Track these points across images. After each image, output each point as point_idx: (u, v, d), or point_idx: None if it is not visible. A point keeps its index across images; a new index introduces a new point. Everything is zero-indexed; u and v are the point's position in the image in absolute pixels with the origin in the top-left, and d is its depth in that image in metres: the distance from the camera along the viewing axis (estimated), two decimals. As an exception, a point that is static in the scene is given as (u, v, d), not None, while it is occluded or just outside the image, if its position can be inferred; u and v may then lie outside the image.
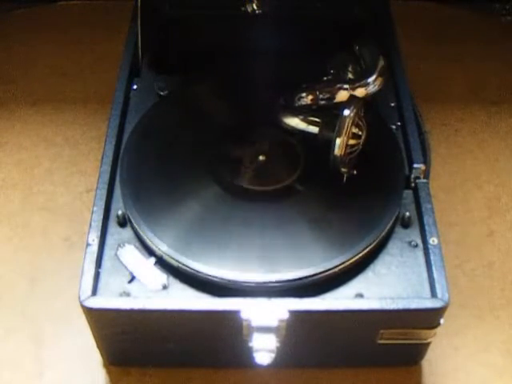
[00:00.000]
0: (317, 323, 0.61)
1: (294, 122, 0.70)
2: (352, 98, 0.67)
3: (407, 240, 0.66)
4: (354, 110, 0.64)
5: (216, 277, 0.61)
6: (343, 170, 0.67)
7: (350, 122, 0.64)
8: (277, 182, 0.70)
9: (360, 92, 0.70)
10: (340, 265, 0.62)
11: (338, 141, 0.64)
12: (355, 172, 0.67)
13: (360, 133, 0.66)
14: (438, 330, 0.62)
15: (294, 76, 0.76)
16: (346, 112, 0.64)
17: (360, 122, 0.65)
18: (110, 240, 0.66)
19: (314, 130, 0.69)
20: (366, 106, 0.68)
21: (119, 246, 0.65)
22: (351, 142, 0.65)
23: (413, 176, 0.69)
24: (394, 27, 0.86)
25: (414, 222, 0.67)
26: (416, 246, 0.65)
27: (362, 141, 0.66)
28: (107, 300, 0.60)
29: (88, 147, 0.89)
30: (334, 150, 0.65)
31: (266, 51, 0.82)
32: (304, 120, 0.70)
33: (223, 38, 0.86)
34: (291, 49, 0.83)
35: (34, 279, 0.75)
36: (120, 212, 0.67)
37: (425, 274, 0.63)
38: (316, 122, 0.69)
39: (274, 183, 0.70)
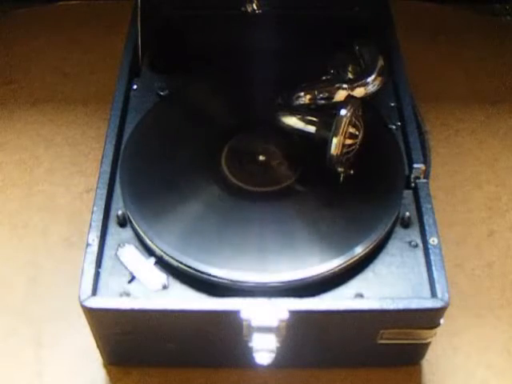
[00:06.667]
0: (317, 323, 0.61)
1: (292, 121, 0.70)
2: (349, 97, 0.67)
3: (407, 240, 0.66)
4: (351, 110, 0.64)
5: (216, 277, 0.61)
6: (340, 169, 0.67)
7: (347, 121, 0.64)
8: (277, 182, 0.70)
9: (359, 92, 0.70)
10: (340, 265, 0.62)
11: (335, 140, 0.64)
12: (352, 172, 0.67)
13: (357, 133, 0.66)
14: (438, 329, 0.62)
15: (293, 76, 0.76)
16: (343, 112, 0.64)
17: (357, 122, 0.65)
18: (110, 240, 0.66)
19: (312, 129, 0.69)
20: (366, 106, 0.68)
21: (119, 246, 0.65)
22: (348, 141, 0.65)
23: (413, 176, 0.69)
24: (394, 27, 0.86)
25: (414, 222, 0.67)
26: (416, 246, 0.65)
27: (358, 141, 0.66)
28: (107, 300, 0.60)
29: (88, 147, 0.89)
30: (330, 150, 0.65)
31: (266, 51, 0.82)
32: (301, 119, 0.70)
33: (223, 38, 0.86)
34: (291, 48, 0.83)
35: (33, 279, 0.75)
36: (120, 212, 0.67)
37: (425, 274, 0.63)
38: (313, 121, 0.69)
39: (274, 183, 0.70)
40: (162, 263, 0.64)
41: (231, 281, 0.61)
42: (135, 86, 0.80)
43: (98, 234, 0.64)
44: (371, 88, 0.71)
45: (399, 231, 0.67)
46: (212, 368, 0.68)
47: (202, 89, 0.79)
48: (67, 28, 1.06)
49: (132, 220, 0.66)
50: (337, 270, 0.62)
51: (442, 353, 0.70)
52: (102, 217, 0.65)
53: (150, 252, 0.65)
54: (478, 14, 1.09)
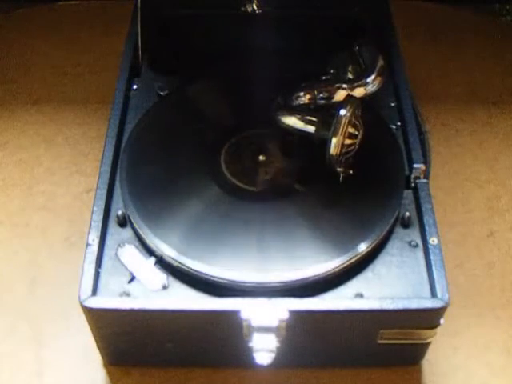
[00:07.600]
0: (317, 323, 0.61)
1: (292, 121, 0.70)
2: (349, 97, 0.67)
3: (407, 240, 0.66)
4: (351, 110, 0.64)
5: (216, 277, 0.61)
6: (339, 169, 0.67)
7: (347, 121, 0.64)
8: (277, 182, 0.70)
9: (359, 92, 0.70)
10: (340, 265, 0.62)
11: (334, 140, 0.64)
12: (351, 172, 0.67)
13: (356, 133, 0.66)
14: (438, 329, 0.62)
15: (293, 76, 0.76)
16: (343, 112, 0.64)
17: (357, 122, 0.65)
18: (110, 240, 0.66)
19: (311, 129, 0.69)
20: (366, 106, 0.68)
21: (119, 245, 0.65)
22: (347, 141, 0.65)
23: (413, 176, 0.69)
24: (394, 27, 0.86)
25: (413, 222, 0.67)
26: (416, 246, 0.65)
27: (358, 141, 0.66)
28: (107, 300, 0.60)
29: (88, 147, 0.89)
30: (329, 150, 0.65)
31: (266, 51, 0.82)
32: (301, 119, 0.70)
33: (223, 38, 0.86)
34: (291, 48, 0.83)
35: (34, 279, 0.75)
36: (120, 212, 0.67)
37: (425, 274, 0.63)
38: (313, 121, 0.69)
39: (274, 183, 0.70)
40: (161, 263, 0.64)
41: (231, 281, 0.61)
42: (135, 86, 0.80)
43: (98, 234, 0.64)
44: (371, 88, 0.71)
45: (399, 231, 0.67)
46: (212, 368, 0.68)
47: (202, 89, 0.79)
48: (67, 28, 1.07)
49: (132, 220, 0.66)
50: (337, 270, 0.62)
51: (442, 353, 0.69)
52: (102, 217, 0.65)
53: (149, 252, 0.65)
54: (478, 14, 1.09)
